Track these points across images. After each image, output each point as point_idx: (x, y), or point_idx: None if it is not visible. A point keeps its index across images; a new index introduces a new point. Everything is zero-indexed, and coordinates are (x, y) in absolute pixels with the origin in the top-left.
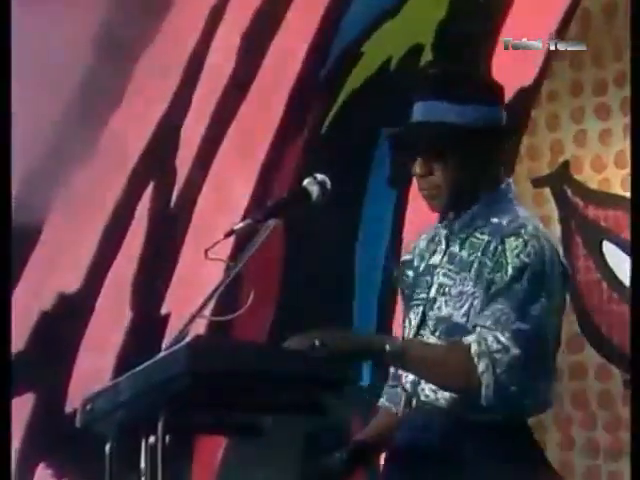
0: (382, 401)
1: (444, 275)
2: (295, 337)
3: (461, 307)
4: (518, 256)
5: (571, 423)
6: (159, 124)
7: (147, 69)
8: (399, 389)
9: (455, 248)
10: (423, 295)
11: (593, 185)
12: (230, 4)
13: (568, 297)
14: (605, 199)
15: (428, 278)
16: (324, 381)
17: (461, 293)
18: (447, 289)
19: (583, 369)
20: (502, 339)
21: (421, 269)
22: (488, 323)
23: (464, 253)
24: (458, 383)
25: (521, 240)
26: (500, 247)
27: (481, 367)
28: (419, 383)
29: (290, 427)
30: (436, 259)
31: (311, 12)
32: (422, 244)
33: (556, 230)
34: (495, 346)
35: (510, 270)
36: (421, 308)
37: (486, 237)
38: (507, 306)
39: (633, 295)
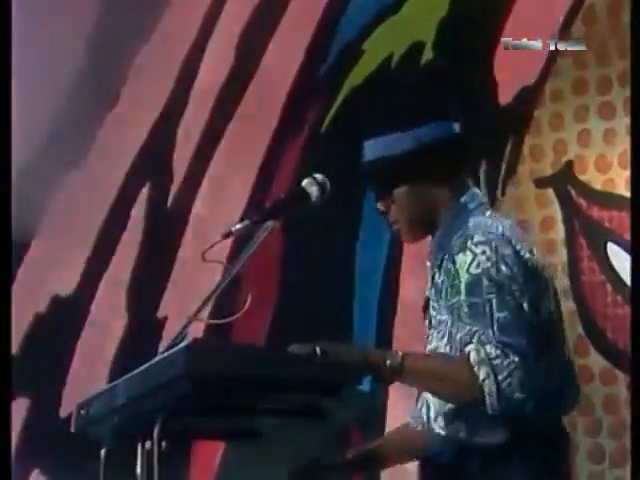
0: (409, 420)
1: (432, 307)
2: (295, 345)
3: (442, 337)
4: (468, 271)
5: (575, 428)
6: (156, 124)
7: (144, 68)
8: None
9: (436, 277)
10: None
11: (597, 185)
12: (228, 1)
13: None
14: (609, 200)
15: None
16: (324, 384)
17: (440, 323)
18: (433, 321)
19: (588, 373)
20: (499, 346)
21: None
22: (474, 341)
23: (439, 280)
24: (460, 394)
25: (468, 252)
26: (453, 268)
27: (482, 375)
28: (428, 422)
29: (290, 431)
30: (428, 292)
31: (311, 9)
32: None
33: (560, 231)
34: (494, 352)
35: (463, 288)
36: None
37: (446, 265)
38: (480, 326)
39: (633, 295)
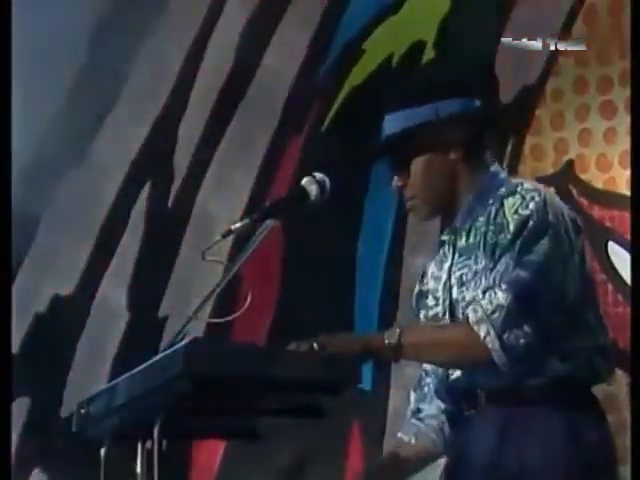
0: (398, 435)
1: (459, 269)
2: (294, 343)
3: (480, 285)
4: (517, 212)
5: None
6: (157, 122)
7: (144, 68)
8: (414, 420)
9: (461, 242)
10: (444, 297)
11: (598, 185)
12: (229, 1)
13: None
14: (610, 199)
15: (447, 285)
16: (323, 383)
17: (476, 273)
18: (465, 277)
19: None
20: (499, 295)
21: (440, 287)
22: (491, 280)
23: (470, 240)
24: (465, 356)
25: (518, 196)
26: (500, 209)
27: (482, 332)
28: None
29: (289, 431)
30: (447, 265)
31: (312, 8)
32: (432, 268)
33: None
34: (490, 307)
35: (512, 227)
36: (447, 311)
37: (486, 214)
38: (509, 259)
39: (633, 294)
